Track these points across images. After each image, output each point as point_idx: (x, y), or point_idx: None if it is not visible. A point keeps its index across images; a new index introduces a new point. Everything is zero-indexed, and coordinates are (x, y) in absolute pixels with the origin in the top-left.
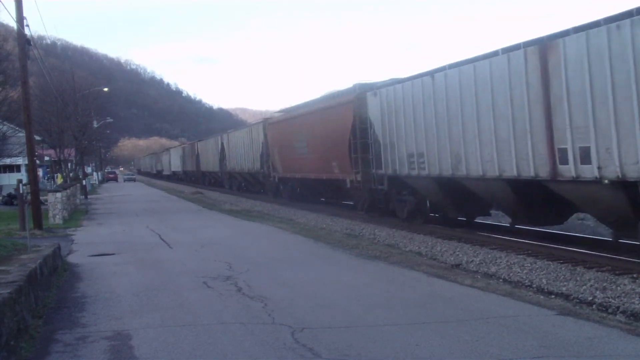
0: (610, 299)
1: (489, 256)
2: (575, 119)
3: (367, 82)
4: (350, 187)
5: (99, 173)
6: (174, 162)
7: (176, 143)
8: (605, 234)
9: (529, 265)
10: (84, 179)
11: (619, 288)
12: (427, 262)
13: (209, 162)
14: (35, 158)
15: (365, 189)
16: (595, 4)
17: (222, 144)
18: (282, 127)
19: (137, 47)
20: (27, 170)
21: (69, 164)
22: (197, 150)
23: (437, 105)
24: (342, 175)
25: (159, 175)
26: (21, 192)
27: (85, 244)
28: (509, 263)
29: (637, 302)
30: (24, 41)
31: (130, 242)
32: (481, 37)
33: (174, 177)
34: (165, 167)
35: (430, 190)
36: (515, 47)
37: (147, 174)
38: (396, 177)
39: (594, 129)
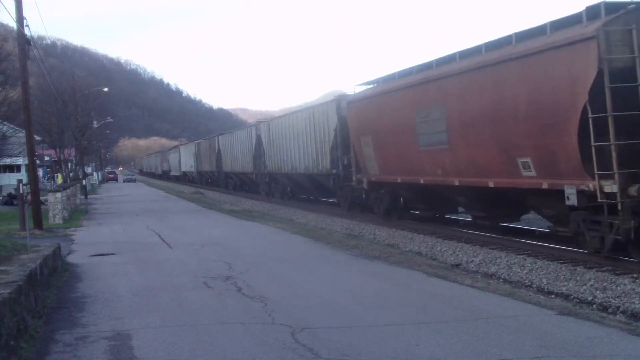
0: (610, 299)
1: (489, 256)
2: None
3: None
4: (577, 205)
5: (99, 173)
6: (185, 161)
7: (176, 143)
8: None
9: (529, 265)
10: (84, 179)
11: (619, 288)
12: (427, 262)
13: (237, 161)
14: (35, 158)
15: (627, 210)
16: None
17: (257, 137)
18: (383, 103)
19: (137, 47)
20: (27, 170)
21: (69, 164)
22: (218, 146)
23: None
24: (550, 182)
25: (165, 176)
26: (21, 192)
27: (85, 244)
28: (509, 263)
29: (637, 302)
30: (24, 41)
31: (130, 242)
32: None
33: (184, 178)
34: (173, 167)
35: None
36: None
37: (151, 175)
38: None
39: None
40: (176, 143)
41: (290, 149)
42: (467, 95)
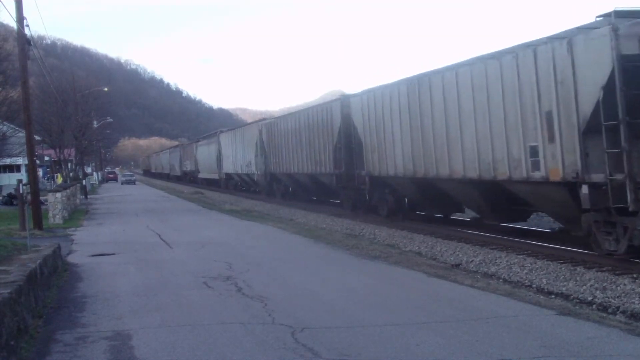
0: (610, 299)
1: (489, 256)
2: None
3: None
4: None
5: (99, 173)
6: (231, 156)
7: (176, 143)
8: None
9: (529, 265)
10: (84, 179)
11: (619, 288)
12: (427, 262)
13: (442, 155)
14: (35, 158)
15: None
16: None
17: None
18: None
19: (137, 47)
20: (27, 170)
21: (69, 164)
22: (353, 122)
23: None
24: None
25: (188, 178)
26: (21, 192)
27: (85, 244)
28: (509, 263)
29: (637, 302)
30: (24, 41)
31: (131, 242)
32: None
33: (226, 183)
34: (204, 165)
35: None
36: None
37: (165, 177)
38: None
39: None
40: (176, 143)
41: None
42: None
